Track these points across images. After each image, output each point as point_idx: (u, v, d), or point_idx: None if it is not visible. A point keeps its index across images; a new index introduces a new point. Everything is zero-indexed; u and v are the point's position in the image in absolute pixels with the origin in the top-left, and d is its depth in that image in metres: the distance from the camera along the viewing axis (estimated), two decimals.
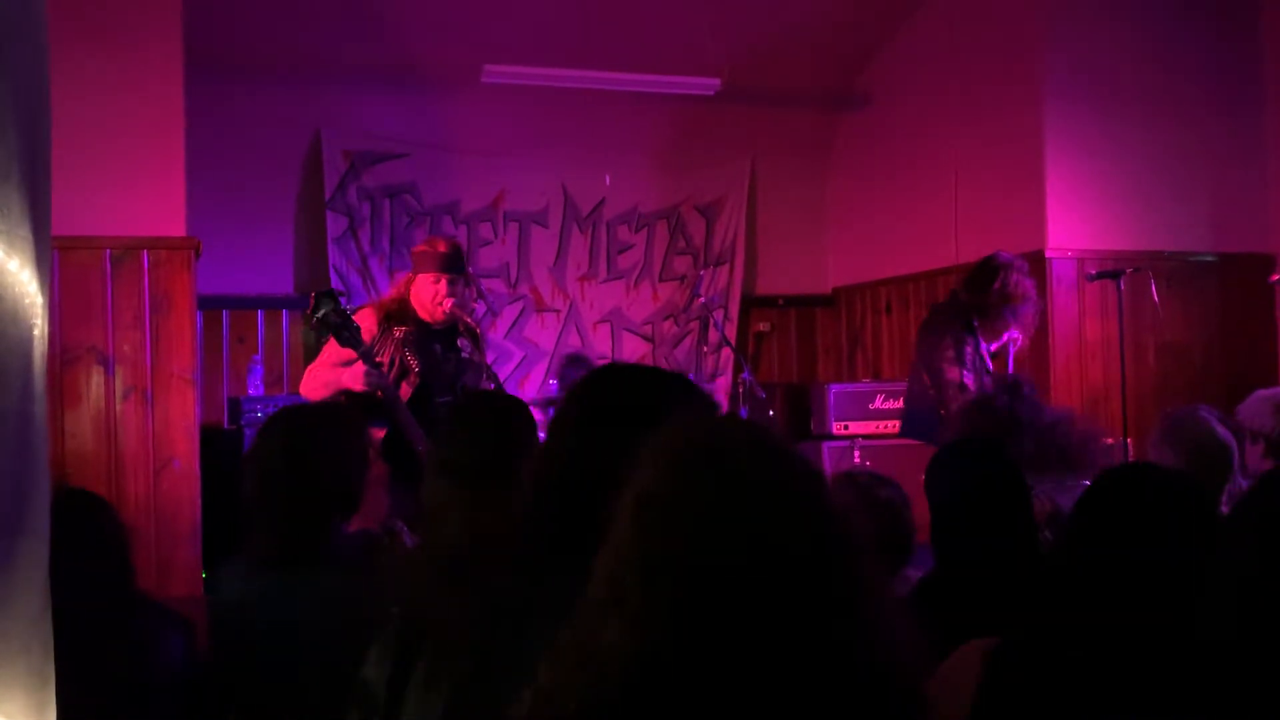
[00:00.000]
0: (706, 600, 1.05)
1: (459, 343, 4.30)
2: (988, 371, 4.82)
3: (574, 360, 6.70)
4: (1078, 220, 6.06)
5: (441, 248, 4.26)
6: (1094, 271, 5.75)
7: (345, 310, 3.89)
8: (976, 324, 4.84)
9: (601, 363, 7.03)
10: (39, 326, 1.83)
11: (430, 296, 4.19)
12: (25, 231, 1.77)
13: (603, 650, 1.07)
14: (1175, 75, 6.17)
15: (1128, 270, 5.56)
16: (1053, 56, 6.09)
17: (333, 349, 4.08)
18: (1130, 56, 6.11)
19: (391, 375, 4.13)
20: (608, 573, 1.12)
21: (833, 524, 1.13)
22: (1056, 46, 6.09)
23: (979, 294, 4.85)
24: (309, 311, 3.91)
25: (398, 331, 4.22)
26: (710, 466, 1.11)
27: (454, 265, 4.23)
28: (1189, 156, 6.18)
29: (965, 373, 4.72)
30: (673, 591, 1.06)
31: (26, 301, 1.74)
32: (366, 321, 4.15)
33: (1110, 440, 5.73)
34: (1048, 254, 5.98)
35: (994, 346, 4.92)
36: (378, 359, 4.08)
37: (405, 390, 4.16)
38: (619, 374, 1.72)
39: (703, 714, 1.04)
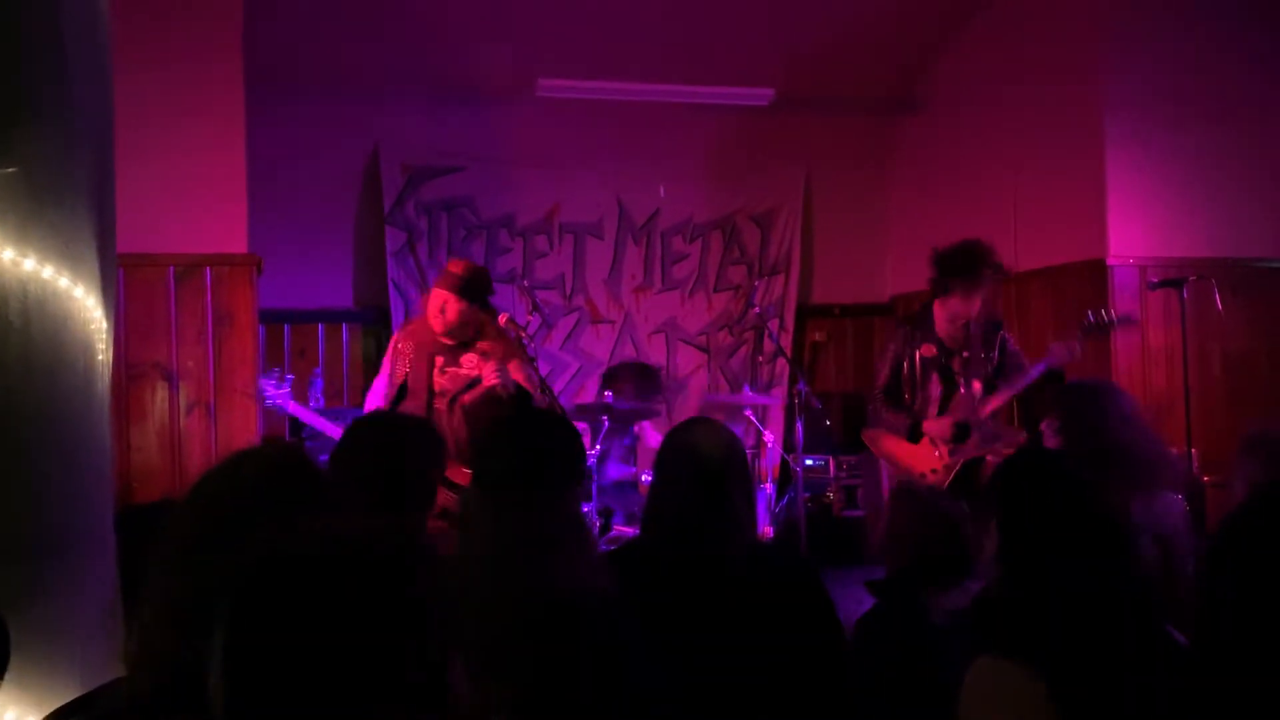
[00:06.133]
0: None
1: (462, 359, 4.34)
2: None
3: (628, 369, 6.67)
4: (1139, 227, 5.96)
5: (454, 269, 4.34)
6: (1156, 279, 5.66)
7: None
8: None
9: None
10: (103, 352, 1.88)
11: (436, 309, 4.29)
12: (91, 259, 1.82)
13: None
14: (1238, 81, 6.04)
15: (1191, 278, 5.46)
16: (1114, 61, 5.99)
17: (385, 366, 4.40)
18: (1193, 61, 5.99)
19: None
20: None
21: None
22: (1117, 51, 5.99)
23: None
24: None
25: (405, 347, 4.35)
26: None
27: (459, 287, 4.26)
28: (1253, 162, 6.04)
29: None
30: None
31: (92, 327, 1.79)
32: (405, 344, 4.36)
33: (1175, 451, 5.64)
34: (1109, 261, 5.89)
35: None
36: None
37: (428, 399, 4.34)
38: None
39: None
